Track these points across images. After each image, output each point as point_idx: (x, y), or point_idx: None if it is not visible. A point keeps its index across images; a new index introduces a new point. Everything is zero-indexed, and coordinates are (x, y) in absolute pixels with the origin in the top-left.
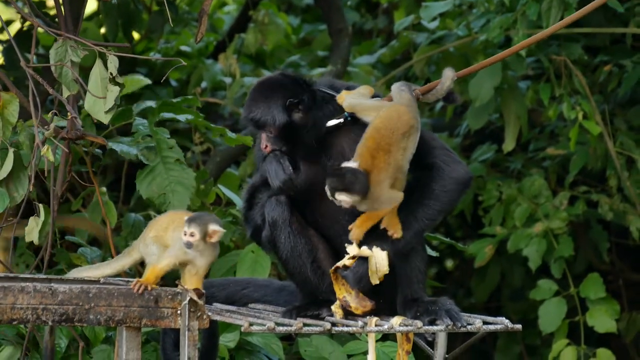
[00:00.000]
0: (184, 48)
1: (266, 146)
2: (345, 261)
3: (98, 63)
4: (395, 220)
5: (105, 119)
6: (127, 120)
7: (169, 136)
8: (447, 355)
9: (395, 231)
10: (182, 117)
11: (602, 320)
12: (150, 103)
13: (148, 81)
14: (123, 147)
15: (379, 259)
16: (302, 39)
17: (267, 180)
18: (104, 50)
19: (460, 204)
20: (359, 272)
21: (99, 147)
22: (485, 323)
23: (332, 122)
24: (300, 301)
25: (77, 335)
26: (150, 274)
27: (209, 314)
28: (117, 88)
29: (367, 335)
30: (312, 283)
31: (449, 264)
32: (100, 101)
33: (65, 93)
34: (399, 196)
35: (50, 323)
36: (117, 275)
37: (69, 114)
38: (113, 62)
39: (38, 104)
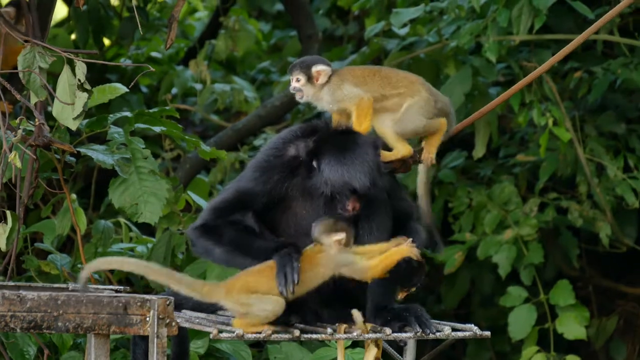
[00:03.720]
0: (154, 54)
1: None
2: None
3: (66, 69)
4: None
5: (74, 126)
6: (102, 129)
7: (144, 146)
8: None
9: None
10: (157, 128)
11: (572, 326)
12: (127, 113)
13: (125, 89)
14: (99, 155)
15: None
16: (272, 45)
17: (246, 199)
18: (72, 57)
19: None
20: None
21: (71, 154)
22: (454, 330)
23: None
24: None
25: (42, 344)
26: None
27: (178, 321)
28: (85, 94)
29: (336, 342)
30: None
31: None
32: (69, 107)
33: (33, 99)
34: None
35: (18, 330)
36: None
37: (36, 120)
38: (81, 69)
39: (6, 111)
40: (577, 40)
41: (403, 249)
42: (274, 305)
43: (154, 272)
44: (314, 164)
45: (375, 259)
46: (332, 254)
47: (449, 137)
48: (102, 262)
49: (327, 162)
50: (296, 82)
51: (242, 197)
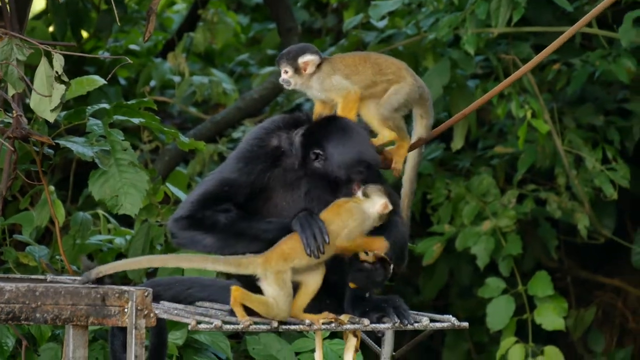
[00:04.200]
0: (132, 47)
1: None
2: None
3: (43, 61)
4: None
5: (51, 118)
6: (80, 121)
7: (123, 138)
8: (394, 353)
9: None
10: (136, 120)
11: (550, 317)
12: (105, 105)
13: (103, 81)
14: (78, 147)
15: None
16: (251, 37)
17: (229, 190)
18: (49, 49)
19: None
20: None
21: (49, 146)
22: (432, 321)
23: None
24: None
25: (20, 335)
26: None
27: (156, 312)
28: (63, 86)
29: (314, 333)
30: None
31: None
32: (46, 100)
33: (11, 91)
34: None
35: None
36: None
37: (14, 112)
38: (59, 61)
39: None
40: (570, 31)
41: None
42: (314, 277)
43: (186, 260)
44: (319, 152)
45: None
46: (372, 211)
47: (431, 138)
48: (132, 262)
49: (334, 146)
50: (284, 73)
51: (226, 188)
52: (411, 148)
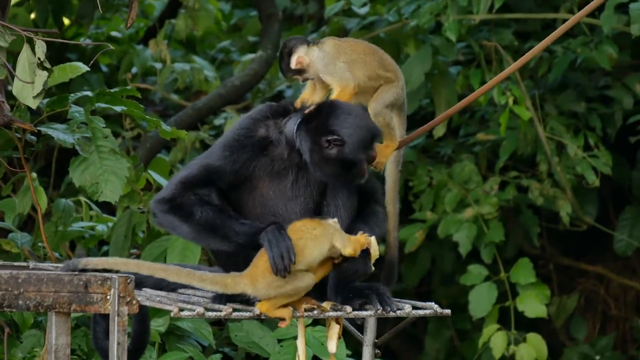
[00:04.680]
0: (114, 34)
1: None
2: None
3: (26, 48)
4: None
5: (34, 104)
6: (63, 108)
7: (104, 125)
8: (376, 340)
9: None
10: (118, 108)
11: (532, 305)
12: (87, 92)
13: (85, 68)
14: (59, 134)
15: (375, 245)
16: (232, 24)
17: (212, 176)
18: (32, 36)
19: None
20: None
21: (32, 133)
22: (414, 308)
23: None
24: None
25: (3, 322)
26: None
27: (139, 299)
28: (45, 73)
29: (297, 320)
30: (242, 270)
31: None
32: (29, 86)
33: None
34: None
35: None
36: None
37: None
38: (41, 47)
39: None
40: (570, 22)
41: (363, 239)
42: (306, 279)
43: (173, 273)
44: (334, 137)
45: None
46: (331, 224)
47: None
48: (120, 262)
49: (349, 128)
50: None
51: (210, 173)
52: (384, 155)
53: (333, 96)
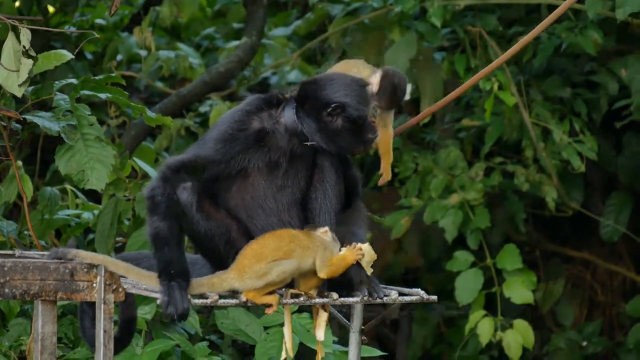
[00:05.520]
0: (99, 21)
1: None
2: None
3: (10, 36)
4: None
5: (19, 92)
6: (48, 95)
7: (89, 113)
8: (363, 327)
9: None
10: (103, 95)
11: (519, 291)
12: (72, 80)
13: (70, 55)
14: (45, 122)
15: (370, 251)
16: (217, 11)
17: (203, 165)
18: (16, 24)
19: (376, 176)
20: None
21: (17, 121)
22: (401, 294)
23: None
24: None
25: None
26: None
27: (125, 287)
28: (30, 61)
29: (283, 307)
30: (226, 262)
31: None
32: (14, 74)
33: None
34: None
35: None
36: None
37: None
38: (26, 35)
39: None
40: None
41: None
42: (290, 265)
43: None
44: (334, 105)
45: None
46: (319, 237)
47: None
48: (110, 261)
49: (339, 93)
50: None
51: (200, 162)
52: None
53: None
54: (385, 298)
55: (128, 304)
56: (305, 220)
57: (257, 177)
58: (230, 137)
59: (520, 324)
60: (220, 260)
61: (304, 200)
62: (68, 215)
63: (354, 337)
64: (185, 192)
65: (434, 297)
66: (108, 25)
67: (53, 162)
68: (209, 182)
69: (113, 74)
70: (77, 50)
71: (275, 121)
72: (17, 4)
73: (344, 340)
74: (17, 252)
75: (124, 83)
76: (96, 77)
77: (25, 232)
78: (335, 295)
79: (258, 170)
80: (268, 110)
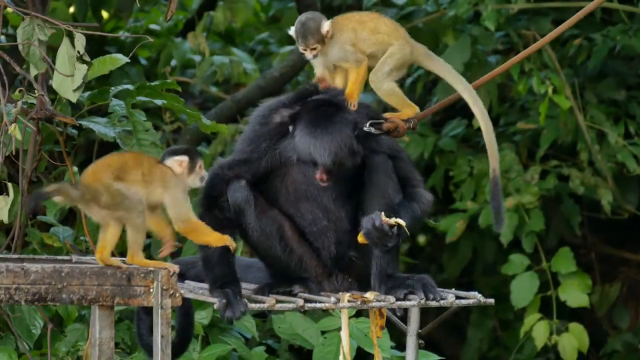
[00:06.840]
0: (153, 27)
1: None
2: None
3: (65, 41)
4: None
5: (74, 98)
6: (104, 102)
7: (145, 118)
8: (420, 330)
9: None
10: (159, 101)
11: (574, 294)
12: (128, 86)
13: (125, 59)
14: (100, 127)
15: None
16: (271, 16)
17: (238, 162)
18: (71, 29)
19: (431, 179)
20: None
21: (73, 127)
22: (458, 298)
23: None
24: (270, 278)
25: (46, 317)
26: None
27: (182, 291)
28: (85, 66)
29: (340, 311)
30: (282, 261)
31: (421, 239)
32: (69, 80)
33: (33, 72)
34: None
35: (23, 302)
36: None
37: (37, 92)
38: (80, 41)
39: (6, 83)
40: (591, 5)
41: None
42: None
43: None
44: (290, 128)
45: None
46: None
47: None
48: None
49: (300, 130)
50: (312, 50)
51: (239, 167)
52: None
53: (351, 80)
54: (442, 301)
55: (185, 309)
56: (355, 209)
57: (295, 171)
58: (254, 134)
59: (576, 328)
60: (276, 259)
61: (350, 192)
62: None
63: (411, 341)
64: (241, 189)
65: (491, 301)
66: (162, 30)
67: None
68: (255, 182)
69: (168, 80)
70: (131, 54)
71: (290, 114)
72: (71, 9)
73: (401, 345)
74: (74, 257)
75: (179, 89)
76: (152, 83)
77: (82, 238)
78: (392, 298)
79: (294, 165)
80: (290, 106)
